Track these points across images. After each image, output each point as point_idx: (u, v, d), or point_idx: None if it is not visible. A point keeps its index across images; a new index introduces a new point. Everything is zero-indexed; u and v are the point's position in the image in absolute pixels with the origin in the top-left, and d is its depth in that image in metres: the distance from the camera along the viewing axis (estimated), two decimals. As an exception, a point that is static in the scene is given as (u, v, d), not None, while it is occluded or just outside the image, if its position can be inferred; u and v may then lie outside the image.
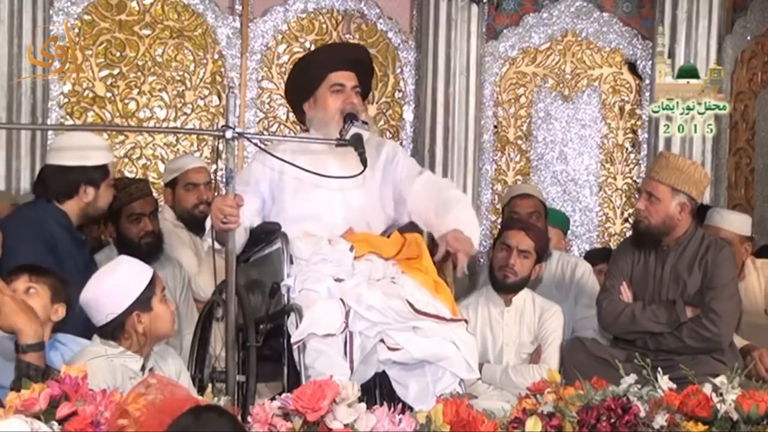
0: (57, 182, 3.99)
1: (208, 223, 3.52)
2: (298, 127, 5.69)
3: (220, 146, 3.30)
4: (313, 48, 6.24)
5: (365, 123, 3.65)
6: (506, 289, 4.36)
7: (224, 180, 3.37)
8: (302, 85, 3.87)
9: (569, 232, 6.16)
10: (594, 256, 5.46)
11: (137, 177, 5.83)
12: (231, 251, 3.38)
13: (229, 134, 3.25)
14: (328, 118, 3.74)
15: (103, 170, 4.00)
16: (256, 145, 3.87)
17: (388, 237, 3.71)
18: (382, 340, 3.40)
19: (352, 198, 3.75)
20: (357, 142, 3.57)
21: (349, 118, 3.65)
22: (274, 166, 3.72)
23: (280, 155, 3.61)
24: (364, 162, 3.54)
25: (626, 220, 6.43)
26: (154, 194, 4.91)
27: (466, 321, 3.58)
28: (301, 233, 3.61)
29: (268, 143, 4.72)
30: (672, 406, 3.00)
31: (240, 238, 3.53)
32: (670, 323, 4.18)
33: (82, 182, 3.95)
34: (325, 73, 3.80)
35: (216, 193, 4.75)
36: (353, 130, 3.59)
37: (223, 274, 3.46)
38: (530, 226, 4.50)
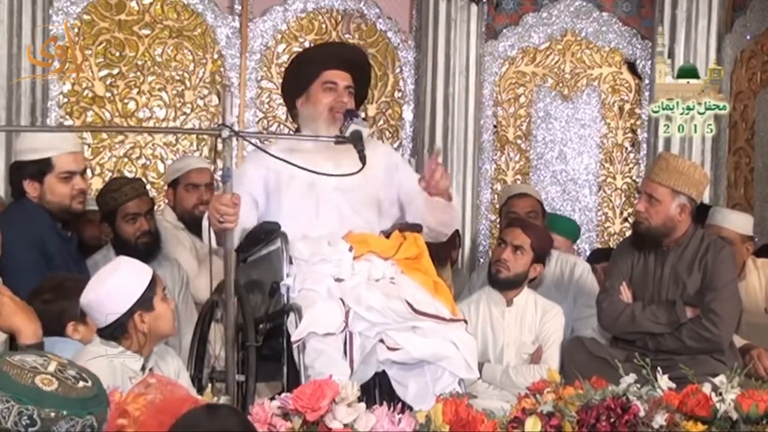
0: (9, 182, 4.11)
1: (205, 223, 3.50)
2: (294, 127, 5.68)
3: (219, 145, 3.29)
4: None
5: (365, 119, 3.61)
6: (500, 284, 4.36)
7: (221, 179, 3.35)
8: (296, 81, 3.83)
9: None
10: (600, 256, 5.43)
11: (134, 177, 5.82)
12: (229, 250, 3.37)
13: (225, 133, 3.24)
14: (316, 114, 3.71)
15: (41, 164, 3.93)
16: (255, 145, 3.86)
17: (388, 236, 3.71)
18: (381, 340, 3.40)
19: (350, 199, 3.72)
20: (356, 139, 3.52)
21: (349, 114, 3.61)
22: (270, 166, 3.68)
23: (277, 154, 3.59)
24: (363, 159, 3.48)
25: (626, 220, 6.42)
26: (152, 193, 4.89)
27: (465, 321, 3.58)
28: (298, 235, 3.60)
29: (266, 142, 4.71)
30: (671, 405, 3.00)
31: (236, 239, 3.52)
32: (670, 324, 4.18)
33: (21, 178, 3.95)
34: (319, 70, 3.75)
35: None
36: (353, 127, 3.54)
37: (221, 276, 3.45)
38: (529, 225, 4.51)
